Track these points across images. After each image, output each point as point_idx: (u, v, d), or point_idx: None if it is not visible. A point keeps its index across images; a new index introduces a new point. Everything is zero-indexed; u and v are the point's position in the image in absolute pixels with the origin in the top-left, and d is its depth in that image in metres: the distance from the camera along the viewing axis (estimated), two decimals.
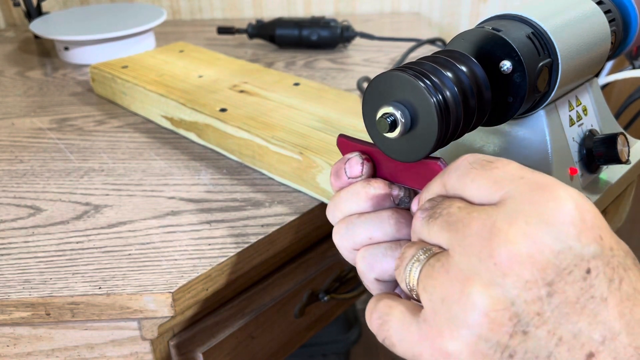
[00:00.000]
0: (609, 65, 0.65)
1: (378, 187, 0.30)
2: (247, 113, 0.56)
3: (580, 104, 0.38)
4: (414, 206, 0.28)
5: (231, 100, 0.59)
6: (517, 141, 0.35)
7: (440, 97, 0.27)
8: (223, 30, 0.92)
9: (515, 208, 0.22)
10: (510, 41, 0.30)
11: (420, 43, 0.85)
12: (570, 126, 0.36)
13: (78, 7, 0.97)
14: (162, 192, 0.51)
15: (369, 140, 0.31)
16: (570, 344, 0.21)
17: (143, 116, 0.66)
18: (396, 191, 0.30)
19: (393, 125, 0.28)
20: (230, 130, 0.54)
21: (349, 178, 0.31)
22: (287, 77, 0.66)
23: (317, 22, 0.87)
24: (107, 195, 0.51)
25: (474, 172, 0.24)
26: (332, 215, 0.32)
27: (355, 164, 0.31)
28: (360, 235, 0.30)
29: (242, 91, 0.61)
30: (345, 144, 0.33)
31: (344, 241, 0.30)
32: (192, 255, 0.43)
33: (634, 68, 0.56)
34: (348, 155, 0.31)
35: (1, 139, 0.62)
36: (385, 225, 0.29)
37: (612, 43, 0.37)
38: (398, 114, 0.28)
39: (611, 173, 0.38)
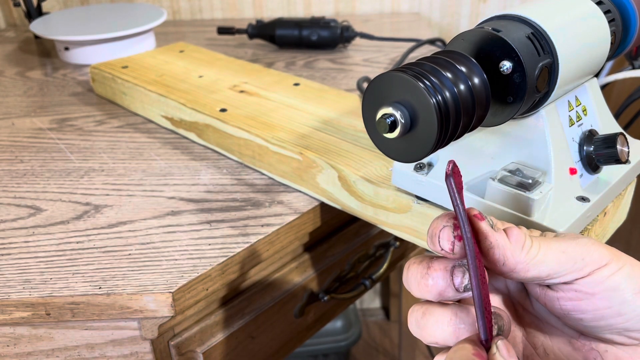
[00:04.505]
0: (609, 65, 0.65)
1: (436, 277, 0.27)
2: (247, 113, 0.56)
3: (580, 104, 0.38)
4: None
5: (231, 100, 0.59)
6: (517, 141, 0.35)
7: (439, 97, 0.27)
8: (223, 30, 0.92)
9: None
10: (510, 41, 0.30)
11: (420, 43, 0.85)
12: (570, 126, 0.36)
13: (78, 7, 0.97)
14: (162, 192, 0.51)
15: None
16: None
17: (143, 116, 0.66)
18: (459, 279, 0.27)
19: (393, 126, 0.29)
20: (230, 130, 0.54)
21: (441, 250, 0.27)
22: (287, 77, 0.66)
23: (317, 22, 0.87)
24: (107, 195, 0.51)
25: None
26: (407, 285, 0.28)
27: (446, 240, 0.26)
28: (426, 339, 0.28)
29: (242, 91, 0.61)
30: (456, 179, 0.26)
31: (419, 337, 0.28)
32: (192, 255, 0.43)
33: (633, 68, 0.56)
34: (446, 223, 0.26)
35: (1, 139, 0.62)
36: (446, 334, 0.27)
37: (611, 43, 0.37)
38: (398, 115, 0.28)
39: (611, 173, 0.38)
